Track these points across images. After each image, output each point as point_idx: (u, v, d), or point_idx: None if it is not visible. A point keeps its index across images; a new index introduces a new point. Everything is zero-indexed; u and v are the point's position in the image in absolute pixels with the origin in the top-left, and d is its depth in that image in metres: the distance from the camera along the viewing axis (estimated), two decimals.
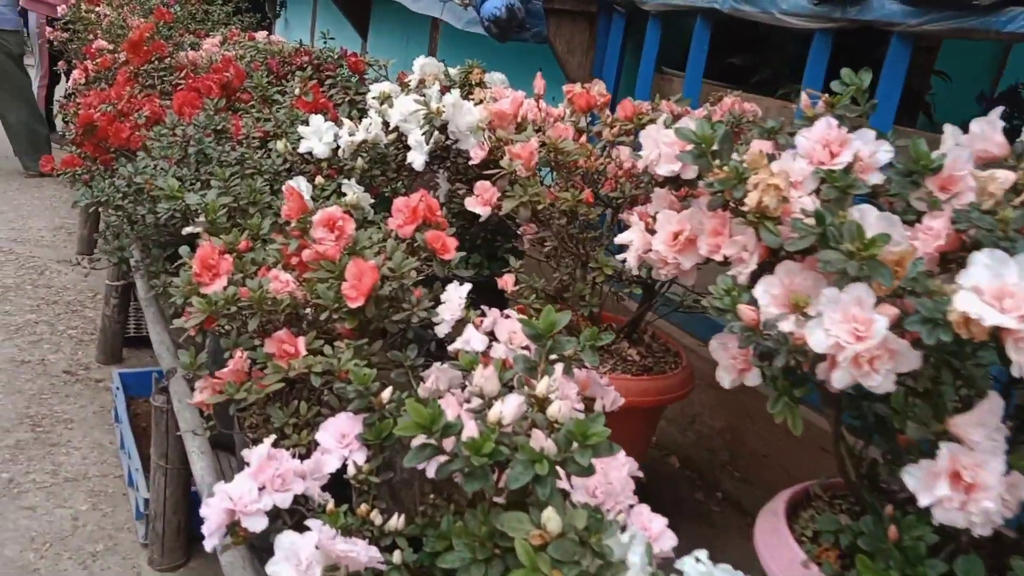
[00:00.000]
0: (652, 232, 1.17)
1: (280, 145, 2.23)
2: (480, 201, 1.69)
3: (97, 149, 2.72)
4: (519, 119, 1.71)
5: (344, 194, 2.12)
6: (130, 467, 2.43)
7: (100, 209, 2.23)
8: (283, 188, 2.06)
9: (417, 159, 2.06)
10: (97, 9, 5.50)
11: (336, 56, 3.40)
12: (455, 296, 1.44)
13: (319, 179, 2.20)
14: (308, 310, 1.51)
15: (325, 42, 3.49)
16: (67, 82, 6.16)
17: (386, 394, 1.23)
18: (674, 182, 1.20)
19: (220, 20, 5.38)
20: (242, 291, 1.42)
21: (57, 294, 3.87)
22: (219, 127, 2.54)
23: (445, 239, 1.58)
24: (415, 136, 2.07)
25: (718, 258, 1.05)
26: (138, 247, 2.37)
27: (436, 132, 1.97)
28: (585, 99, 1.77)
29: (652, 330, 1.74)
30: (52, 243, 4.53)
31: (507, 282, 1.58)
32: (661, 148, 1.15)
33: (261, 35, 4.41)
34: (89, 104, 3.36)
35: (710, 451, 1.99)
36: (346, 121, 2.15)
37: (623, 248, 1.30)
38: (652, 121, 1.42)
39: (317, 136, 2.22)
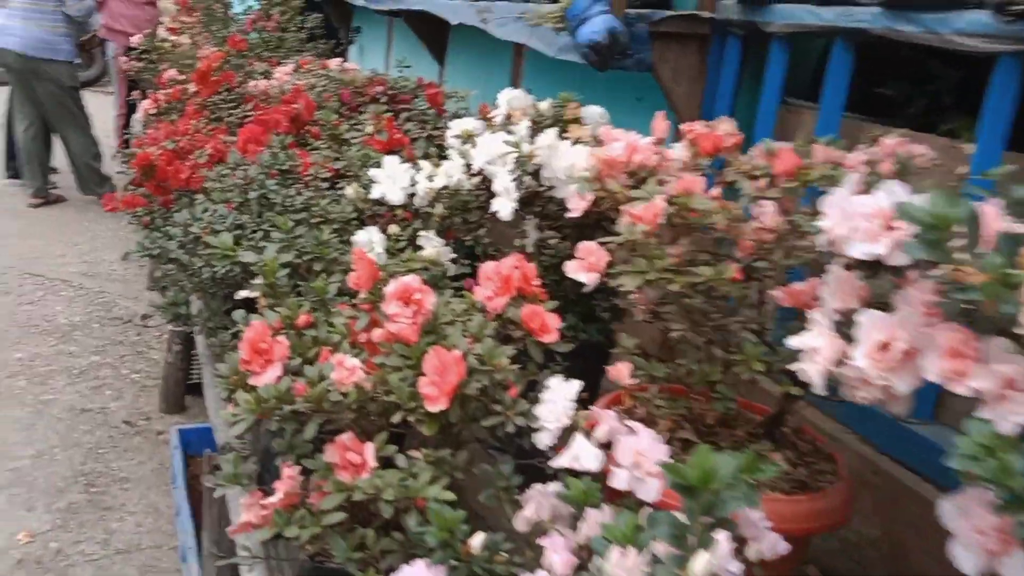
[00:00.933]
0: (843, 336, 0.86)
1: (351, 190, 1.98)
2: (585, 267, 1.40)
3: (158, 189, 2.54)
4: (634, 168, 1.41)
5: (421, 246, 1.87)
6: (184, 543, 2.21)
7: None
8: (352, 245, 1.81)
9: (504, 207, 1.78)
10: (173, 38, 5.45)
11: (412, 86, 3.17)
12: (561, 397, 1.14)
13: (393, 227, 1.95)
14: (376, 404, 1.24)
15: (400, 71, 3.28)
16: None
17: (477, 542, 0.94)
18: (870, 266, 0.88)
19: (294, 47, 5.28)
20: (298, 388, 1.15)
21: (123, 333, 3.73)
22: (284, 166, 2.32)
23: (545, 317, 1.30)
24: (503, 181, 1.80)
25: (961, 390, 0.73)
26: (197, 298, 2.16)
27: (528, 177, 1.68)
28: (711, 141, 1.47)
29: (796, 421, 1.41)
30: (123, 277, 4.43)
31: (620, 373, 1.28)
32: (857, 222, 0.84)
33: (334, 63, 4.23)
34: (152, 140, 3.21)
35: (860, 564, 1.65)
36: (424, 163, 1.89)
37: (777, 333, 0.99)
38: (831, 179, 1.10)
39: (391, 180, 1.97)
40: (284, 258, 1.67)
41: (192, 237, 2.06)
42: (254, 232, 2.06)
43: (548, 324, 1.29)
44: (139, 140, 3.42)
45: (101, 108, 8.53)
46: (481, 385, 1.15)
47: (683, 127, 1.56)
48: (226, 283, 1.99)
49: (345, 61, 4.44)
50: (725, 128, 1.52)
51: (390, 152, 2.46)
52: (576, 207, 1.59)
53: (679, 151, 1.57)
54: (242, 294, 1.60)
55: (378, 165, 2.12)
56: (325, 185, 2.26)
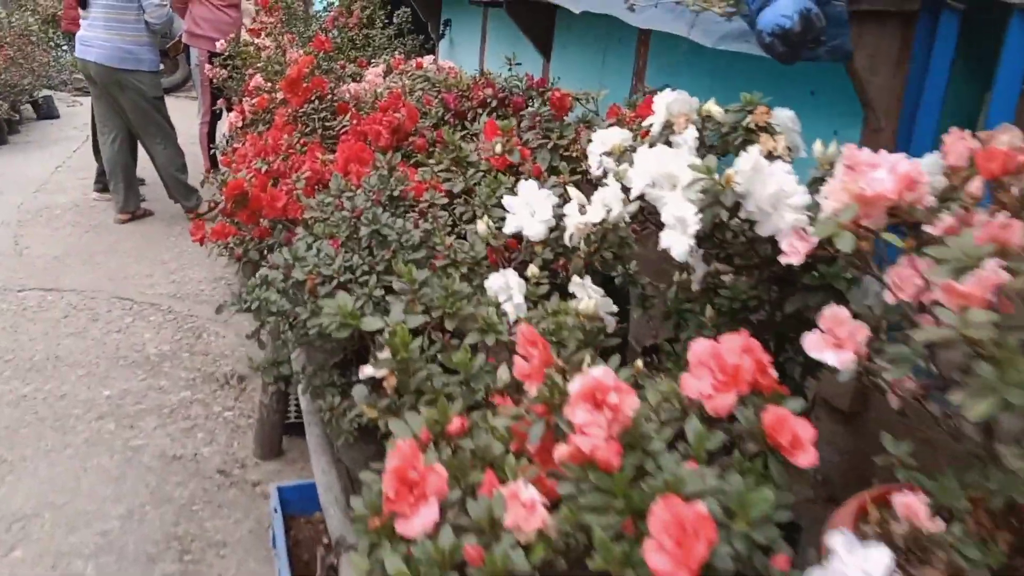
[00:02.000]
0: None
1: (481, 227, 1.65)
2: (833, 343, 1.02)
3: (251, 218, 2.26)
4: (905, 205, 1.02)
5: (571, 294, 1.53)
6: None
7: (254, 314, 1.72)
8: (485, 292, 1.48)
9: (678, 245, 1.41)
10: (257, 41, 5.25)
11: (523, 87, 2.82)
12: (858, 568, 0.78)
13: (532, 268, 1.61)
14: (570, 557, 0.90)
15: (511, 69, 2.94)
16: (228, 118, 6.01)
17: None
18: None
19: (381, 45, 5.00)
20: (470, 555, 0.82)
21: (214, 363, 3.52)
22: (394, 192, 2.00)
23: (795, 428, 0.92)
24: (677, 211, 1.43)
25: None
26: (300, 351, 1.88)
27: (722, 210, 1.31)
28: (1000, 160, 1.07)
29: None
30: (211, 298, 4.24)
31: (913, 509, 0.90)
32: None
33: (427, 60, 3.93)
34: (240, 157, 2.96)
35: None
36: (575, 192, 1.54)
37: None
38: None
39: (529, 210, 1.63)
40: (413, 321, 1.35)
41: (294, 282, 1.77)
42: (366, 274, 1.75)
43: (801, 439, 0.92)
44: (227, 156, 3.18)
45: (185, 115, 8.51)
46: (734, 552, 0.79)
47: (946, 139, 1.17)
48: (338, 340, 1.69)
49: (436, 59, 4.13)
50: (1009, 139, 1.12)
51: (509, 168, 2.12)
52: (794, 251, 1.22)
53: (932, 170, 1.17)
54: (366, 372, 1.28)
55: (511, 190, 1.79)
56: (443, 214, 1.94)
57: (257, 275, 1.77)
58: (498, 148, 1.91)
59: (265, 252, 2.43)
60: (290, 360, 1.88)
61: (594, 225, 1.48)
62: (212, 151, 6.34)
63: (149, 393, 3.22)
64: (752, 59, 2.15)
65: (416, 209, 1.99)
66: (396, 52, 4.74)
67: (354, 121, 2.79)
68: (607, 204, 1.48)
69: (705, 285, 1.69)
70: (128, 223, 5.41)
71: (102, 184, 5.88)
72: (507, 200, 1.65)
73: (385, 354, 1.28)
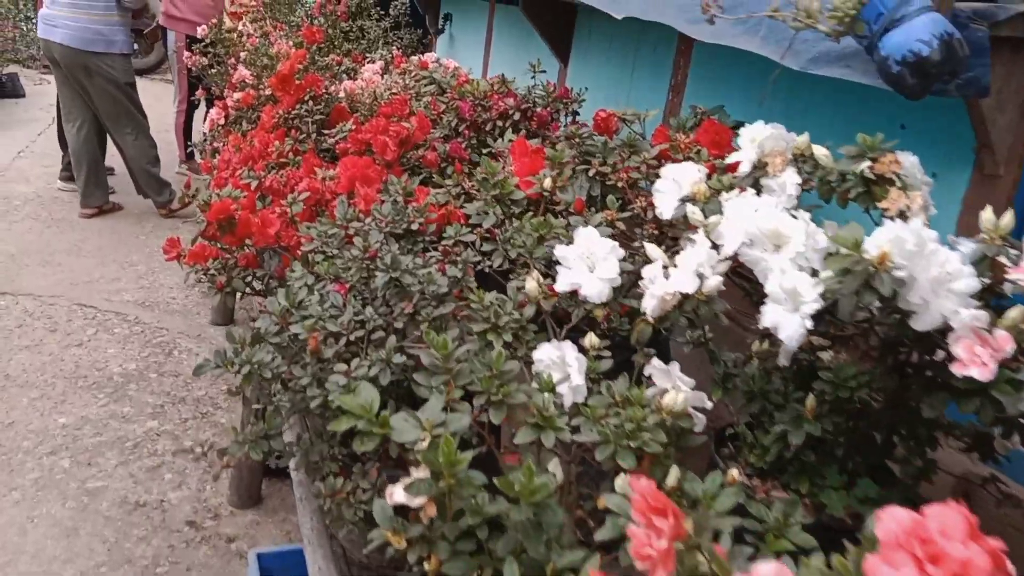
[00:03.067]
0: None
1: (532, 285, 1.34)
2: None
3: (236, 241, 1.93)
4: None
5: (638, 372, 1.24)
6: None
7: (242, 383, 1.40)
8: (533, 366, 1.20)
9: (789, 326, 1.13)
10: (240, 27, 4.88)
11: (549, 97, 2.51)
12: None
13: (592, 338, 1.31)
14: None
15: (534, 75, 2.63)
16: (207, 111, 5.61)
17: None
18: None
19: (376, 38, 4.66)
20: None
21: (185, 386, 3.18)
22: (413, 226, 1.69)
23: None
24: (785, 282, 1.14)
25: None
26: (295, 420, 1.56)
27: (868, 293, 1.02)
28: None
29: None
30: (183, 307, 3.88)
31: None
32: None
33: (429, 58, 3.60)
34: (224, 165, 2.62)
35: None
36: (653, 251, 1.24)
37: None
38: None
39: (586, 262, 1.32)
40: (456, 422, 1.04)
41: (291, 336, 1.45)
42: (380, 329, 1.43)
43: None
44: (207, 160, 2.83)
45: (158, 99, 8.07)
46: None
47: None
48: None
49: (432, 55, 3.81)
50: None
51: (540, 201, 1.82)
52: (977, 360, 0.93)
53: None
54: (398, 498, 0.97)
55: (560, 236, 1.50)
56: (472, 253, 1.63)
57: (250, 325, 1.45)
58: (547, 183, 1.59)
59: (250, 281, 2.10)
60: (281, 425, 1.56)
61: (682, 294, 1.18)
62: (188, 148, 5.98)
63: (111, 422, 2.87)
64: (828, 83, 1.87)
65: (438, 246, 1.68)
66: (393, 47, 4.41)
67: (356, 129, 2.46)
68: (700, 269, 1.18)
69: (797, 364, 1.41)
70: (94, 218, 5.02)
71: (69, 173, 5.47)
72: (560, 251, 1.34)
73: (421, 472, 0.97)
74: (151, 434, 2.83)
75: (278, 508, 2.52)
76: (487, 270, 1.62)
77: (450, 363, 1.17)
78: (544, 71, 2.64)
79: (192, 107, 5.87)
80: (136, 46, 10.32)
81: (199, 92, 4.35)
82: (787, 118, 2.04)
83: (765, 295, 1.18)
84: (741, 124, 2.05)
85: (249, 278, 2.06)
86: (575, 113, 2.67)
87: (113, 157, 6.17)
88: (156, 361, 3.36)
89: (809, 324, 1.11)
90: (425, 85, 3.16)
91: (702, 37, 1.90)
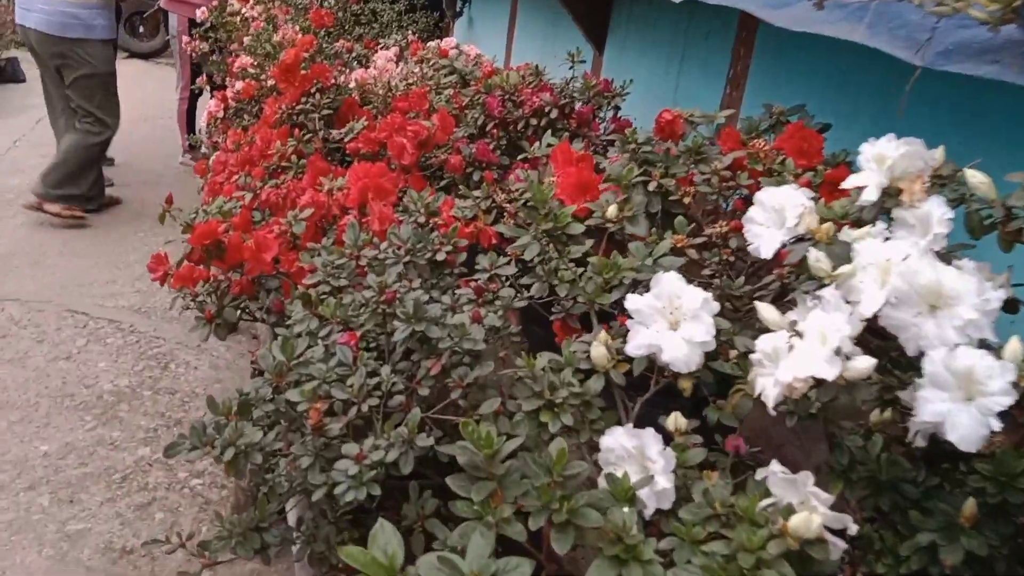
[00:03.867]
0: None
1: (599, 352, 1.04)
2: None
3: (230, 267, 1.64)
4: None
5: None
6: None
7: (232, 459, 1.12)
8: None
9: (963, 425, 0.85)
10: (244, 10, 4.57)
11: (590, 92, 2.20)
12: None
13: (678, 421, 1.01)
14: None
15: (572, 66, 2.32)
16: (210, 100, 5.31)
17: None
18: None
19: (390, 21, 4.34)
20: None
21: (182, 404, 2.90)
22: (439, 255, 1.39)
23: None
24: (953, 360, 0.85)
25: None
26: (297, 502, 1.27)
27: None
28: None
29: None
30: (182, 313, 3.58)
31: None
32: None
33: (447, 44, 3.29)
34: (219, 167, 2.33)
35: None
36: (767, 313, 0.94)
37: None
38: None
39: (666, 317, 1.03)
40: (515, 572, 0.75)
41: (289, 404, 1.16)
42: (400, 394, 1.14)
43: None
44: (202, 162, 2.53)
45: (163, 84, 7.78)
46: None
47: None
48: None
49: (448, 41, 3.49)
50: None
51: (589, 217, 1.51)
52: None
53: None
54: None
55: (635, 283, 1.20)
56: (511, 292, 1.33)
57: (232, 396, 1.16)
58: (612, 211, 1.28)
59: (245, 308, 1.81)
60: (283, 513, 1.27)
61: (815, 379, 0.87)
62: (190, 143, 5.69)
63: (98, 450, 2.60)
64: (936, 78, 1.55)
65: (469, 280, 1.38)
66: (408, 31, 4.09)
67: (369, 129, 2.16)
68: (840, 344, 0.87)
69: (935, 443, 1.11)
70: (89, 214, 4.74)
71: None
72: (633, 303, 1.04)
73: None
74: (142, 464, 2.55)
75: (281, 555, 2.24)
76: (527, 300, 1.32)
77: (496, 465, 0.87)
78: (584, 60, 2.33)
79: (194, 95, 5.57)
80: (141, 28, 10.04)
81: (200, 80, 4.05)
82: (875, 124, 1.73)
83: (906, 360, 0.89)
84: (827, 127, 1.74)
85: (244, 306, 1.78)
86: (616, 109, 2.36)
87: (113, 147, 5.91)
88: (151, 376, 3.08)
89: (996, 424, 0.81)
90: (445, 75, 2.85)
91: (782, 23, 1.58)
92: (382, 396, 1.13)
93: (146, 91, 8.15)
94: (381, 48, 3.69)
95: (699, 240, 1.44)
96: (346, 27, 4.22)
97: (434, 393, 1.14)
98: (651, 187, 1.57)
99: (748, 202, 1.66)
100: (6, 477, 2.43)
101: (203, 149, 3.75)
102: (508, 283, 1.35)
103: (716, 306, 1.02)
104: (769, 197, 1.17)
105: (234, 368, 3.26)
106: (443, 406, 1.14)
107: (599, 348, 1.03)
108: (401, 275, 1.35)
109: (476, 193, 1.79)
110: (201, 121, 3.13)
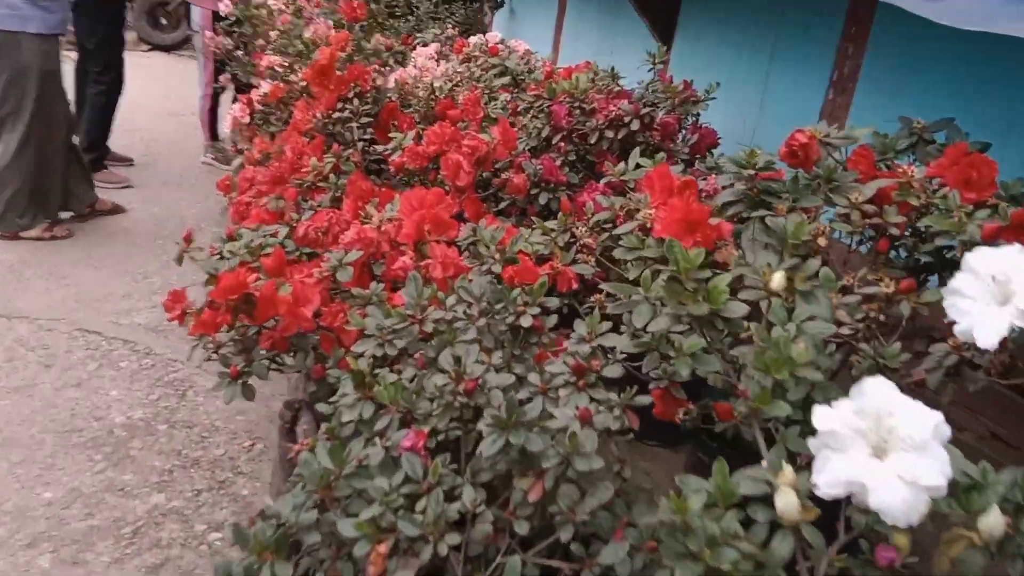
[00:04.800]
0: None
1: (786, 502, 0.74)
2: None
3: (261, 320, 1.36)
4: None
5: None
6: None
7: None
8: None
9: None
10: (270, 2, 4.30)
11: (675, 98, 1.90)
12: None
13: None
14: None
15: (654, 67, 2.01)
16: (232, 102, 5.04)
17: None
18: None
19: (427, 13, 4.05)
20: None
21: (200, 443, 2.64)
22: (520, 317, 1.10)
23: None
24: None
25: None
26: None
27: None
28: None
29: None
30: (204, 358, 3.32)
31: None
32: None
33: (491, 38, 3.00)
34: (245, 184, 2.05)
35: None
36: None
37: None
38: None
39: (869, 440, 0.73)
40: None
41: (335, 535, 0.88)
42: (478, 519, 0.85)
43: None
44: (226, 180, 2.25)
45: (184, 79, 7.55)
46: None
47: None
48: None
49: (491, 35, 3.19)
50: None
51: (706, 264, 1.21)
52: None
53: None
54: None
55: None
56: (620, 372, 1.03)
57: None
58: (776, 281, 0.97)
59: (278, 361, 1.54)
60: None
61: None
62: (213, 125, 5.45)
63: (107, 497, 2.34)
64: None
65: (564, 355, 1.09)
66: (447, 23, 3.80)
67: (412, 143, 1.88)
68: None
69: None
70: (107, 219, 4.50)
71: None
72: (824, 418, 0.75)
73: None
74: (155, 515, 2.29)
75: None
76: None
77: None
78: (664, 62, 2.03)
79: (217, 93, 5.32)
80: (164, 20, 9.82)
81: (223, 78, 3.78)
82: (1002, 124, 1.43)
83: None
84: (987, 146, 1.43)
85: (276, 361, 1.50)
86: (696, 117, 2.07)
87: (131, 147, 5.68)
88: (167, 407, 2.82)
89: None
90: (495, 76, 2.56)
91: (950, 21, 1.27)
92: (463, 526, 0.85)
93: (168, 85, 7.93)
94: (419, 44, 3.40)
95: (849, 299, 1.14)
96: (379, 19, 3.94)
97: (537, 533, 0.85)
98: (752, 213, 1.28)
99: (893, 243, 1.36)
100: (4, 531, 2.18)
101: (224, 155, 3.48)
102: (612, 359, 1.05)
103: (948, 430, 0.72)
104: (984, 263, 0.87)
105: (259, 397, 2.99)
106: (547, 545, 0.85)
107: (788, 496, 0.73)
108: (476, 341, 1.06)
109: (550, 225, 1.50)
110: (224, 126, 2.86)
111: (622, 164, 1.55)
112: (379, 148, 1.96)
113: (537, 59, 2.73)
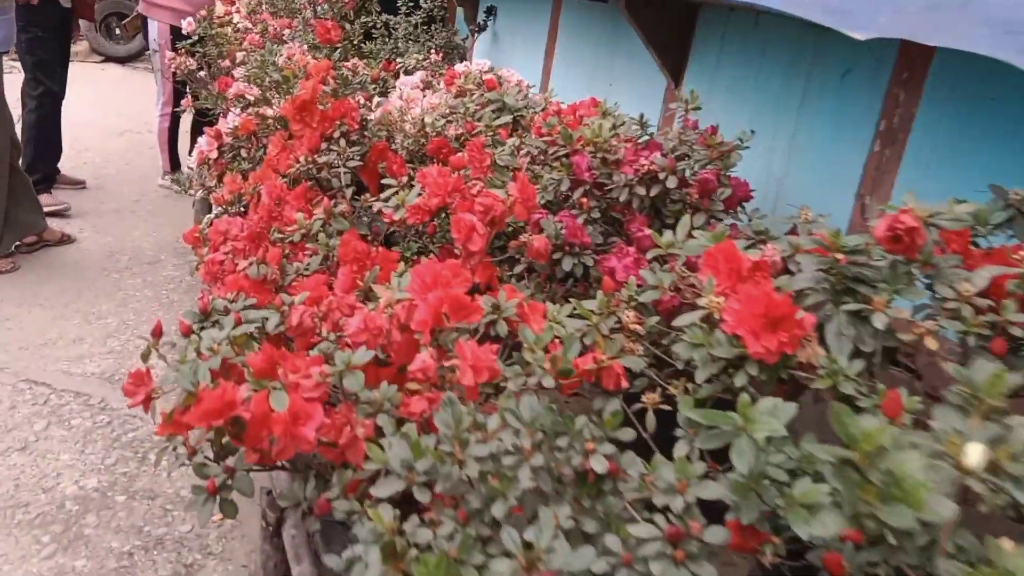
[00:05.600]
0: None
1: None
2: None
3: (250, 446, 1.12)
4: None
5: None
6: None
7: None
8: None
9: None
10: (236, 19, 4.05)
11: (713, 151, 1.70)
12: None
13: None
14: None
15: (685, 112, 1.80)
16: (193, 127, 4.73)
17: None
18: None
19: (407, 35, 3.80)
20: None
21: (164, 517, 2.37)
22: (591, 458, 0.88)
23: None
24: None
25: None
26: None
27: None
28: None
29: None
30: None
31: None
32: None
33: (479, 66, 2.78)
34: (218, 238, 1.80)
35: None
36: None
37: None
38: None
39: None
40: None
41: None
42: None
43: None
44: (194, 233, 1.99)
45: (142, 92, 7.20)
46: None
47: None
48: None
49: (488, 64, 2.98)
50: None
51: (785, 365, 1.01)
52: None
53: None
54: None
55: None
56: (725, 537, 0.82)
57: None
58: (975, 457, 0.75)
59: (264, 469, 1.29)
60: None
61: None
62: (172, 150, 5.16)
63: None
64: None
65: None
66: (431, 49, 3.57)
67: (416, 192, 1.65)
68: None
69: None
70: (55, 248, 4.18)
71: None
72: None
73: None
74: None
75: None
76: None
77: None
78: (698, 107, 1.82)
79: (176, 120, 5.03)
80: (118, 31, 9.43)
81: (184, 102, 3.50)
82: None
83: None
84: None
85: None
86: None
87: (86, 167, 5.35)
88: (125, 473, 2.54)
89: None
90: (493, 113, 2.34)
91: None
92: None
93: (122, 100, 7.58)
94: (401, 70, 3.18)
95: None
96: (354, 42, 3.70)
97: None
98: (876, 323, 1.08)
99: (1014, 344, 1.16)
100: None
101: (185, 174, 3.19)
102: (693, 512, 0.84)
103: None
104: None
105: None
106: None
107: None
108: (534, 489, 0.84)
109: (589, 306, 1.29)
110: (189, 160, 2.59)
111: (669, 234, 1.34)
112: (374, 203, 1.72)
113: (531, 93, 2.52)
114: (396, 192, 1.79)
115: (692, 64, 2.45)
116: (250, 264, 1.54)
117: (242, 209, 2.26)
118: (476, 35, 4.00)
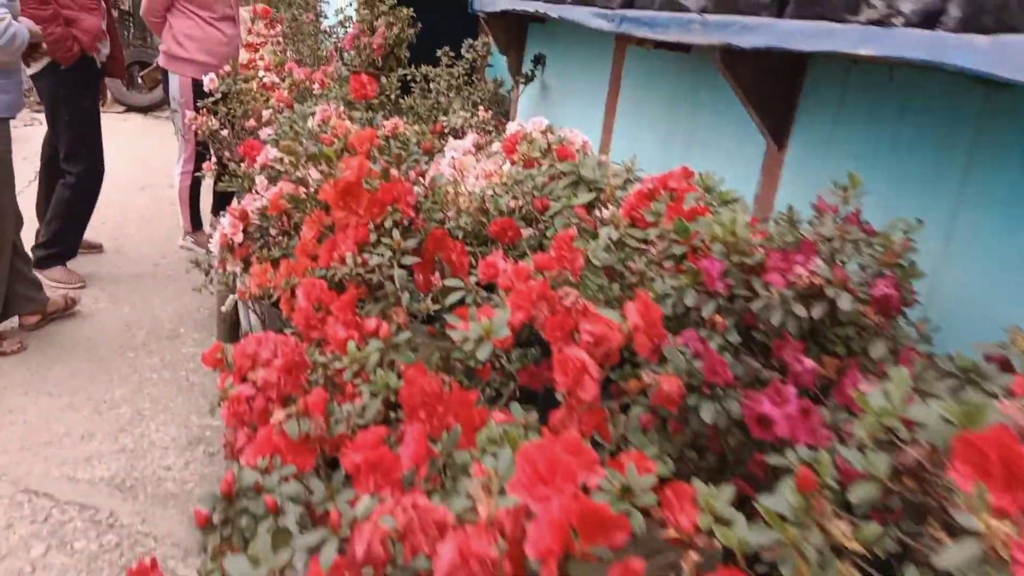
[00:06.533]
0: None
1: None
2: None
3: None
4: None
5: None
6: None
7: None
8: None
9: None
10: (262, 74, 3.74)
11: (891, 258, 1.31)
12: None
13: None
14: None
15: (846, 197, 1.42)
16: (215, 185, 4.42)
17: None
18: None
19: (449, 88, 3.44)
20: None
21: None
22: None
23: None
24: None
25: None
26: None
27: None
28: None
29: None
30: (180, 487, 2.69)
31: None
32: None
33: (536, 124, 2.42)
34: (244, 360, 1.44)
35: None
36: None
37: None
38: None
39: None
40: None
41: None
42: None
43: None
44: (215, 355, 1.63)
45: (163, 143, 6.93)
46: None
47: None
48: None
49: (545, 123, 2.62)
50: None
51: None
52: None
53: None
54: None
55: None
56: None
57: None
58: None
59: None
60: None
61: None
62: (194, 208, 4.87)
63: None
64: None
65: None
66: (478, 106, 3.22)
67: (506, 322, 1.27)
68: None
69: None
70: (61, 321, 3.84)
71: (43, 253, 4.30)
72: None
73: None
74: None
75: None
76: None
77: None
78: (849, 188, 1.44)
79: (197, 184, 4.75)
80: (140, 80, 9.24)
81: (206, 166, 3.18)
82: None
83: None
84: None
85: None
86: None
87: (104, 228, 5.05)
88: None
89: None
90: (566, 187, 1.97)
91: None
92: None
93: (144, 152, 7.34)
94: (447, 131, 2.83)
95: None
96: (391, 96, 3.36)
97: None
98: None
99: None
100: None
101: (209, 237, 2.83)
102: None
103: None
104: None
105: None
106: None
107: None
108: None
109: (777, 508, 0.90)
110: (212, 243, 2.24)
111: (878, 398, 0.94)
112: (451, 330, 1.34)
113: (610, 162, 2.15)
114: (463, 300, 1.43)
115: (799, 123, 2.08)
116: (288, 417, 1.17)
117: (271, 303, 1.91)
118: (522, 86, 3.65)
